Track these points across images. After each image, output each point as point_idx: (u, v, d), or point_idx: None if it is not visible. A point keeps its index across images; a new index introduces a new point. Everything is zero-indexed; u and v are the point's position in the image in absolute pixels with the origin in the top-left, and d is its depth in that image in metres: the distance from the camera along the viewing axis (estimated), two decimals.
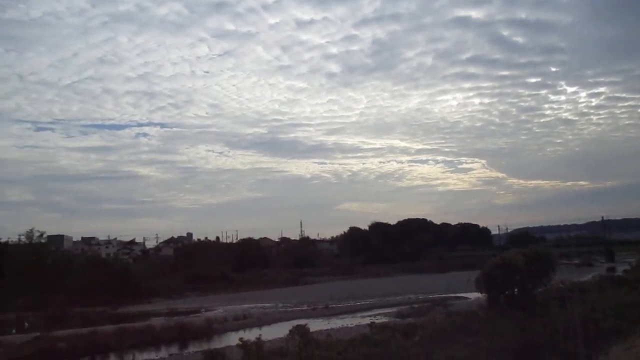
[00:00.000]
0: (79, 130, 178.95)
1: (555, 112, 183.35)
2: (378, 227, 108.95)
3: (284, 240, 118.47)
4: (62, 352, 24.89)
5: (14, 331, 32.69)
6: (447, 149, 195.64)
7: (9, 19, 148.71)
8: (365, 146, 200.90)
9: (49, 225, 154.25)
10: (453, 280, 55.65)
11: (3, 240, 66.56)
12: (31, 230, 70.95)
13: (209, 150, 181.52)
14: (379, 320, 28.02)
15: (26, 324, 36.49)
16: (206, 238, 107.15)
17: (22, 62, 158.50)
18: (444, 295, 43.85)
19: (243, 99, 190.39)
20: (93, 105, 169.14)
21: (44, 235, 73.42)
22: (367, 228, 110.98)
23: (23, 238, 71.40)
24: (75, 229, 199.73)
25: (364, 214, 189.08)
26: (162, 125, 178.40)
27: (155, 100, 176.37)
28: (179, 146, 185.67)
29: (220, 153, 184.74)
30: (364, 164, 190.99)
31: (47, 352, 24.49)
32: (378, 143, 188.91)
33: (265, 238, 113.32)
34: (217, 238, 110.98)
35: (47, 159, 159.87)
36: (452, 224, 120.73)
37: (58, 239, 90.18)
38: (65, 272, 61.92)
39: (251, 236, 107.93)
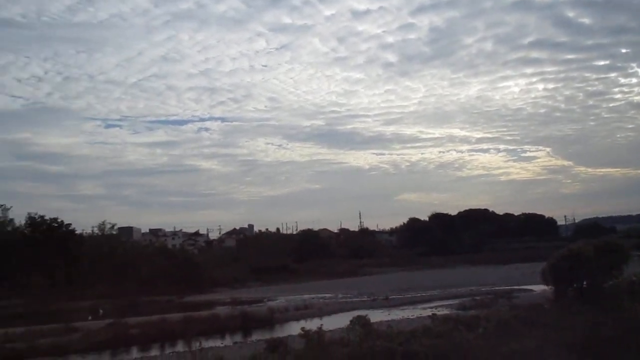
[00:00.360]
0: (145, 126, 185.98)
1: (626, 95, 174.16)
2: (438, 218, 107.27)
3: (343, 231, 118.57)
4: (134, 338, 26.18)
5: (90, 317, 34.63)
6: (509, 137, 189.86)
7: (78, 22, 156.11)
8: (424, 136, 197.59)
9: (119, 217, 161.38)
10: (517, 273, 54.17)
11: (78, 231, 70.40)
12: (103, 223, 75.14)
13: (268, 143, 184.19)
14: (440, 312, 27.74)
15: (101, 310, 38.58)
16: (267, 229, 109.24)
17: (92, 63, 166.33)
18: (507, 288, 42.74)
19: (300, 92, 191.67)
20: (157, 102, 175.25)
21: (115, 227, 77.51)
22: (426, 219, 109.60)
23: (96, 230, 75.72)
24: (143, 220, 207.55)
25: (423, 204, 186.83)
26: (223, 119, 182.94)
27: (216, 95, 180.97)
28: (239, 139, 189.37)
29: (279, 145, 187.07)
30: (422, 154, 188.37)
31: (120, 338, 25.84)
32: (437, 132, 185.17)
33: (324, 229, 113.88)
34: (278, 229, 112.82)
35: (116, 154, 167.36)
36: (516, 214, 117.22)
37: (127, 230, 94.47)
38: (135, 262, 64.90)
39: (311, 227, 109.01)
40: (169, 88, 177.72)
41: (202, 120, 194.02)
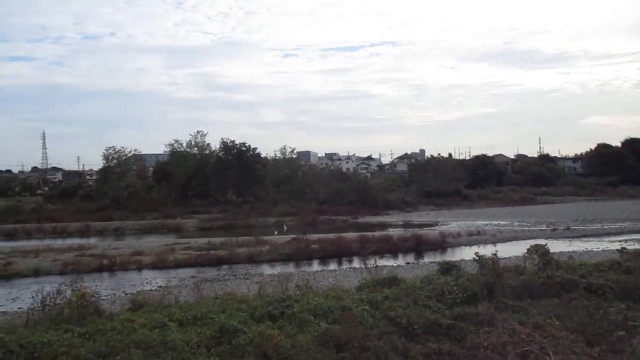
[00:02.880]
0: (318, 54, 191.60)
1: None
2: (633, 144, 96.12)
3: (520, 157, 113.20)
4: (314, 252, 28.57)
5: (275, 232, 38.32)
6: None
7: None
8: (619, 51, 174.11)
9: (297, 142, 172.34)
10: None
11: (262, 155, 76.89)
12: (284, 147, 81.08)
13: (440, 66, 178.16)
14: (631, 246, 25.45)
15: (285, 226, 42.34)
16: (438, 154, 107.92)
17: None
18: None
19: (475, 9, 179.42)
20: (329, 30, 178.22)
21: (295, 151, 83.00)
22: (619, 145, 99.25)
23: (278, 153, 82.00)
24: (319, 145, 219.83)
25: (616, 129, 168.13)
26: (394, 43, 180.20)
27: (386, 19, 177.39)
28: (410, 63, 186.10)
29: (452, 68, 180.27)
30: (617, 71, 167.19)
31: (302, 252, 28.39)
32: (636, 46, 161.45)
33: (499, 155, 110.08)
34: (450, 154, 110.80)
35: (293, 82, 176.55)
36: None
37: (305, 154, 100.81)
38: (313, 184, 69.42)
39: (484, 153, 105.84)
40: (339, 15, 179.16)
41: (373, 45, 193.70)
